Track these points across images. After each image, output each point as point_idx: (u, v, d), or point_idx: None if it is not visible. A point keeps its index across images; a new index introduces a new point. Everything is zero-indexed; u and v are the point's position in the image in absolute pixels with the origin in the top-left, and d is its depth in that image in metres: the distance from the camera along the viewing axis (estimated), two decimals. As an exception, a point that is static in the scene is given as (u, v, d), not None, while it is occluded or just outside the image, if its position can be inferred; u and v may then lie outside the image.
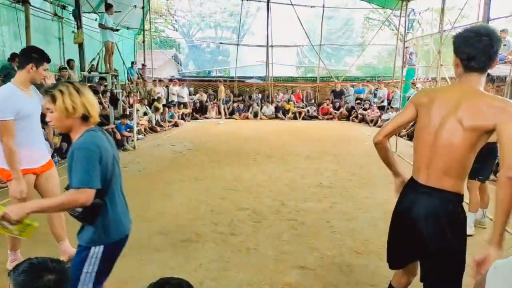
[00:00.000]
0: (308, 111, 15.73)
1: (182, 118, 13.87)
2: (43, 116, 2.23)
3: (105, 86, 9.88)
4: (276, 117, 15.66)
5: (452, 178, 1.76)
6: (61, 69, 8.99)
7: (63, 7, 10.87)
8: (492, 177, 4.40)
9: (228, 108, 16.05)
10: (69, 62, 9.74)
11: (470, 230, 3.58)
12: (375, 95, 15.26)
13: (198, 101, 15.87)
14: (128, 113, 9.54)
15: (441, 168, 1.75)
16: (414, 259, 1.99)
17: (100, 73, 10.45)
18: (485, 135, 1.69)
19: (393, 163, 2.04)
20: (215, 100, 16.39)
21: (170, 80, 17.11)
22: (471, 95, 1.73)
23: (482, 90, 1.76)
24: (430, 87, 12.58)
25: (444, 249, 1.77)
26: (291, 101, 15.99)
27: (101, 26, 9.19)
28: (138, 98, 10.85)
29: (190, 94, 16.16)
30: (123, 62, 11.97)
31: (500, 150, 1.60)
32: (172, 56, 21.33)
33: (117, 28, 10.35)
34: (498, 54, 1.74)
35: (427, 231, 1.79)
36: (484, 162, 3.50)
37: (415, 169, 1.88)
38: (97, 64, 11.00)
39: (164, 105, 12.56)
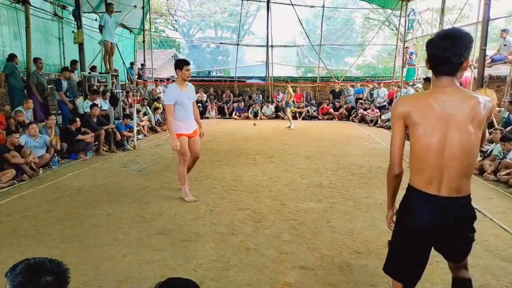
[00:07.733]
0: (308, 111, 15.73)
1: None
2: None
3: (105, 86, 9.88)
4: (276, 117, 15.66)
5: (468, 180, 1.79)
6: (64, 69, 8.98)
7: (63, 7, 10.87)
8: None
9: (228, 108, 16.06)
10: (72, 64, 9.71)
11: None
12: (371, 95, 15.23)
13: (198, 101, 15.90)
14: (128, 112, 9.54)
15: (458, 175, 1.74)
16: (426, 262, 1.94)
17: (100, 73, 10.44)
18: None
19: (395, 195, 2.01)
20: (215, 100, 16.41)
21: (168, 79, 17.12)
22: (464, 94, 1.76)
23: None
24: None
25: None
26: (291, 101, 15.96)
27: (101, 27, 9.18)
28: (138, 99, 10.84)
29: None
30: (123, 62, 11.96)
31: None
32: (172, 56, 21.34)
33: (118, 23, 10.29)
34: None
35: (455, 236, 1.83)
36: None
37: (424, 181, 1.79)
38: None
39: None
